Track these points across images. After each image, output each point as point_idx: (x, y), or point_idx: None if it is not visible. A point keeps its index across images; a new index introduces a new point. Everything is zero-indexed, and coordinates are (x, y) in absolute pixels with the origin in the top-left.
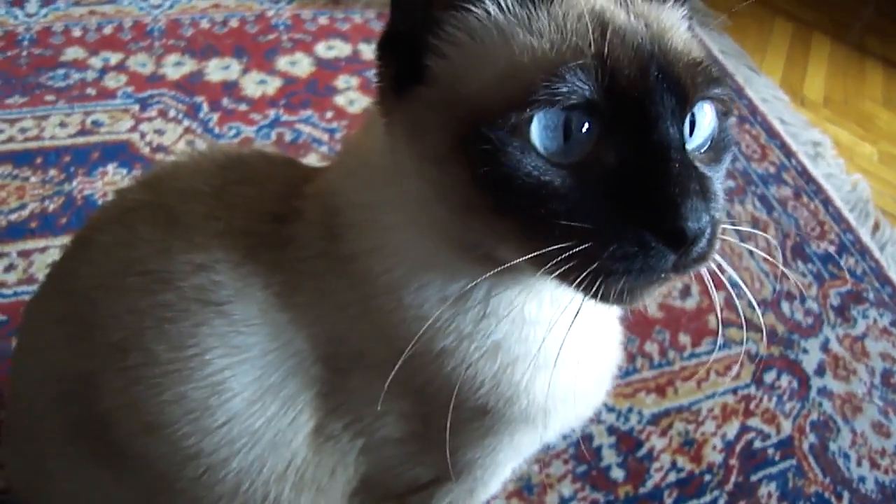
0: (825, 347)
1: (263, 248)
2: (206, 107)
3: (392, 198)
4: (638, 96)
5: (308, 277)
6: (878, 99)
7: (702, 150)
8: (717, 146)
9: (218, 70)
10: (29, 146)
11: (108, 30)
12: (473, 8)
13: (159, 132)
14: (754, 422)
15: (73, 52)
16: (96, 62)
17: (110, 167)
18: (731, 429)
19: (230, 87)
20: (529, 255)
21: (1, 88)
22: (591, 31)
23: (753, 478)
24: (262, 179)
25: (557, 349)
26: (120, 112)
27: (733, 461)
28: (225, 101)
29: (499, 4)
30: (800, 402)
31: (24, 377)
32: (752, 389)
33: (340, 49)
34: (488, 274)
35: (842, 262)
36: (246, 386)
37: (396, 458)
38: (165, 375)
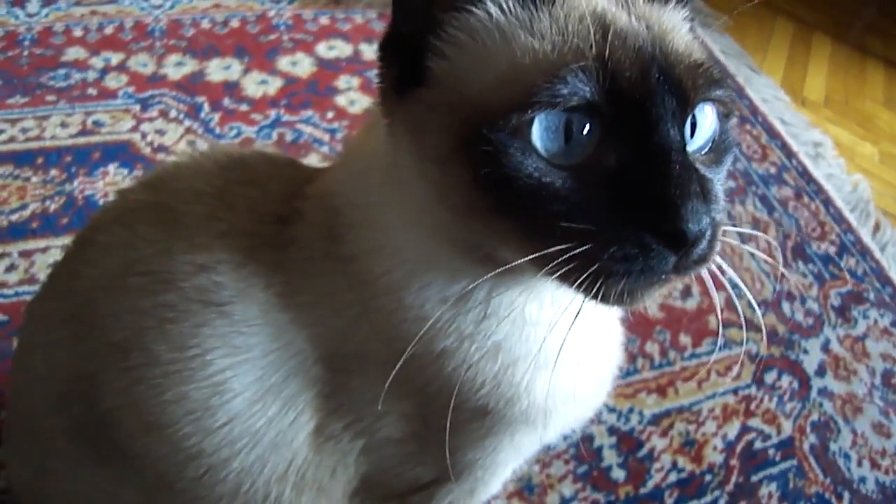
0: (826, 348)
1: (265, 249)
2: (207, 107)
3: (393, 198)
4: (639, 98)
5: (309, 278)
6: (879, 99)
7: (703, 152)
8: (718, 148)
9: (219, 70)
10: (30, 146)
11: (109, 30)
12: (475, 9)
13: (160, 132)
14: (755, 422)
15: (74, 52)
16: (97, 62)
17: (111, 167)
18: (732, 429)
19: (231, 88)
20: (530, 257)
21: (2, 88)
22: (592, 32)
23: (754, 478)
24: (263, 180)
25: (558, 350)
26: (121, 112)
27: (734, 461)
28: (226, 102)
29: (500, 6)
30: (800, 403)
31: (26, 377)
32: (753, 390)
33: (341, 49)
34: (489, 275)
35: (842, 263)
36: (247, 386)
37: (397, 459)
38: (167, 376)
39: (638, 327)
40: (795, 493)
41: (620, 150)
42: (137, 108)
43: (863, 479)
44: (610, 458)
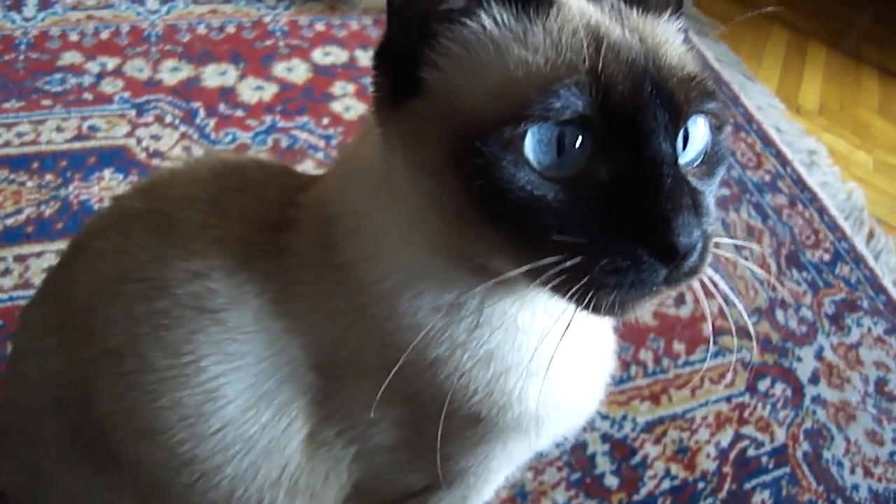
0: (819, 356)
1: (259, 256)
2: (202, 112)
3: (387, 207)
4: (631, 112)
5: (303, 285)
6: (873, 107)
7: (695, 164)
8: (711, 160)
9: (215, 76)
10: (26, 151)
11: (105, 35)
12: (469, 21)
13: (156, 137)
14: (748, 430)
15: (70, 57)
16: (93, 67)
17: (107, 172)
18: (725, 437)
19: (227, 93)
20: (523, 269)
21: None
22: (585, 46)
23: (747, 486)
24: (258, 188)
25: (550, 358)
26: (116, 117)
27: (727, 469)
28: (221, 107)
29: (494, 18)
30: (794, 411)
31: (20, 382)
32: (746, 397)
33: (337, 55)
34: (482, 287)
35: (836, 271)
36: (240, 393)
37: (389, 466)
38: (161, 382)
39: (631, 335)
40: (788, 500)
41: (613, 163)
42: (133, 113)
43: (856, 487)
44: (603, 465)
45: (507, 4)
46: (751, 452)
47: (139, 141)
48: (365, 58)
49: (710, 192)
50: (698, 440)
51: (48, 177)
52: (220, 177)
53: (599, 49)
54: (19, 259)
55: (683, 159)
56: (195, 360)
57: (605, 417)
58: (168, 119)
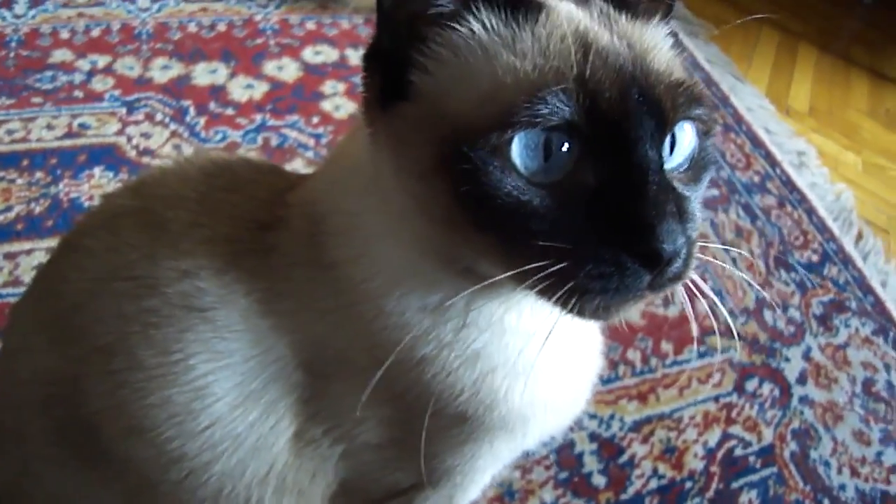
0: (807, 356)
1: (247, 255)
2: (192, 111)
3: (375, 207)
4: (618, 119)
5: (291, 284)
6: (863, 109)
7: (681, 170)
8: (697, 165)
9: (205, 74)
10: (15, 148)
11: (95, 32)
12: (458, 26)
13: (146, 136)
14: (736, 429)
15: (60, 55)
16: (84, 65)
17: (97, 170)
18: (713, 436)
19: (217, 92)
20: (509, 273)
21: None
22: (573, 52)
23: (734, 485)
24: (247, 187)
25: (536, 358)
26: (107, 115)
27: (714, 468)
28: (212, 106)
29: (483, 23)
30: (781, 410)
31: (9, 380)
32: (734, 397)
33: (327, 54)
34: (469, 290)
35: (825, 272)
36: (228, 391)
37: (376, 464)
38: (150, 379)
39: (619, 334)
40: (775, 500)
41: (599, 169)
42: (123, 111)
43: (843, 487)
44: (591, 464)
45: (496, 9)
46: (738, 452)
47: (129, 139)
48: (355, 57)
49: (696, 197)
50: (686, 440)
51: (38, 174)
52: (210, 176)
53: (587, 55)
54: (9, 256)
55: (670, 165)
56: (184, 358)
57: (592, 416)
58: (158, 117)
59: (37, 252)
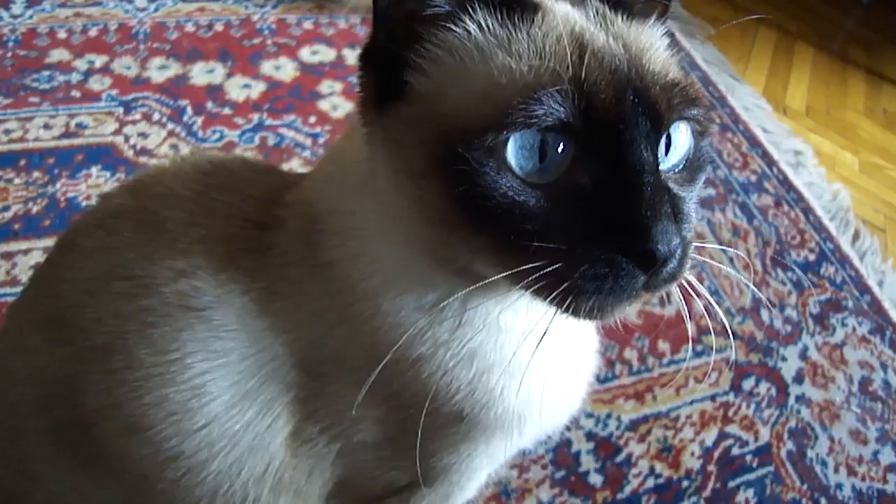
0: (804, 355)
1: (243, 255)
2: (190, 110)
3: (371, 207)
4: (613, 120)
5: (287, 284)
6: (860, 109)
7: (676, 170)
8: (692, 166)
9: (202, 74)
10: (13, 148)
11: (93, 32)
12: (454, 27)
13: (143, 135)
14: (732, 428)
15: (58, 54)
16: (81, 64)
17: (94, 170)
18: (710, 435)
19: (214, 91)
20: (504, 274)
21: None
22: (569, 53)
23: (731, 484)
24: (244, 186)
25: (532, 357)
26: (104, 115)
27: (711, 467)
28: (209, 105)
29: (479, 24)
30: (778, 410)
31: (7, 379)
32: (731, 396)
33: (325, 54)
34: (465, 291)
35: (821, 271)
36: (225, 390)
37: (372, 462)
38: (148, 378)
39: (616, 334)
40: (772, 499)
41: (594, 169)
42: (121, 110)
43: (839, 486)
44: (588, 463)
45: (492, 10)
46: (735, 451)
47: (127, 139)
48: (352, 56)
49: (691, 198)
50: (683, 439)
51: (35, 174)
52: (207, 175)
53: (583, 56)
54: (6, 256)
55: (665, 165)
56: (181, 357)
57: (589, 416)
58: (156, 117)
59: (34, 252)
